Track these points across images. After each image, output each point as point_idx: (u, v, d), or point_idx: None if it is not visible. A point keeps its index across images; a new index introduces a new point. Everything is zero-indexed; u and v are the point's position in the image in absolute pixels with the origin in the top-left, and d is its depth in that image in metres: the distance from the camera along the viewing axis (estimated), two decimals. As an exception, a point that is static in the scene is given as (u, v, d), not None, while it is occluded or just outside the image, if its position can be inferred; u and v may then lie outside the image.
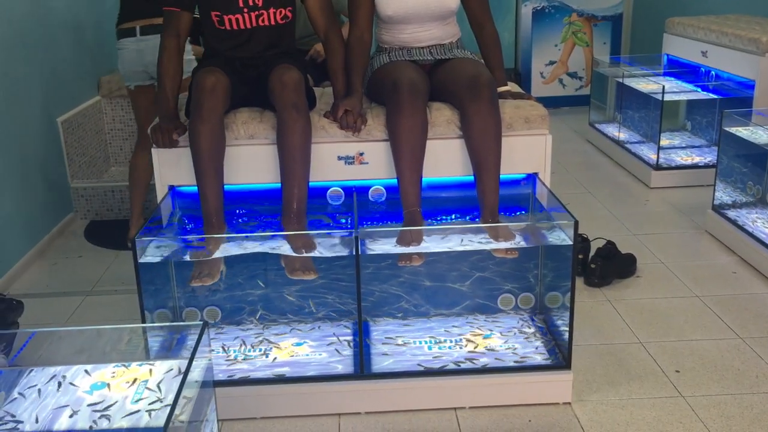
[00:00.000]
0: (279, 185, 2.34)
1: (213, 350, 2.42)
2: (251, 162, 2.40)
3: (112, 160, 4.54)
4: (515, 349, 2.42)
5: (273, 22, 2.42)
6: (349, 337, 2.50)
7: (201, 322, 1.82)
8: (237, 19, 2.39)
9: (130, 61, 3.35)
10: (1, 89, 3.28)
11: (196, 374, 1.75)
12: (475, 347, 2.44)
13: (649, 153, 4.45)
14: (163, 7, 2.42)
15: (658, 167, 4.26)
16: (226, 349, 2.46)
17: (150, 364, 1.87)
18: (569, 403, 2.31)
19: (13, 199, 3.32)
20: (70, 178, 3.91)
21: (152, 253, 2.23)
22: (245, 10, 2.38)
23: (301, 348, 2.46)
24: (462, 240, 2.32)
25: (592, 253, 3.13)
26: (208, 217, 2.31)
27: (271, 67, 2.40)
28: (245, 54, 2.45)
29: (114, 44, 3.44)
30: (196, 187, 2.31)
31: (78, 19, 4.16)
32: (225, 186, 2.36)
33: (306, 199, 2.33)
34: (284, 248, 2.28)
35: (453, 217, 2.54)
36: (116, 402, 1.73)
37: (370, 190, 2.51)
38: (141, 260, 2.15)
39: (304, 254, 2.27)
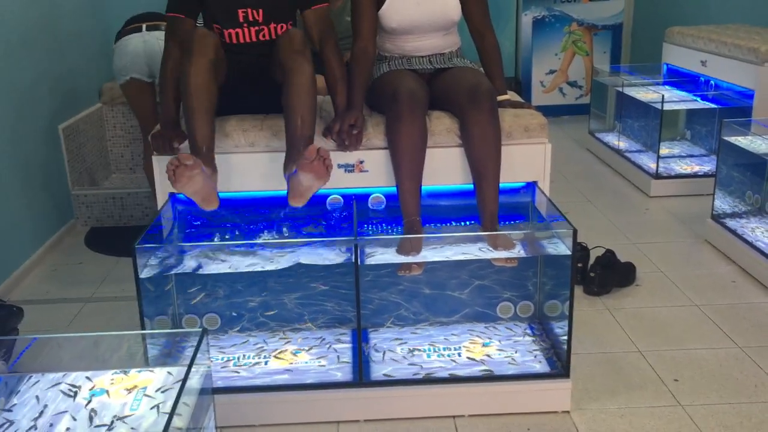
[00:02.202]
0: (281, 192, 2.33)
1: (212, 357, 2.43)
2: (252, 169, 2.41)
3: (112, 167, 4.55)
4: (514, 357, 2.42)
5: (274, 36, 2.42)
6: (348, 345, 2.51)
7: (200, 329, 1.82)
8: (237, 34, 2.40)
9: (134, 53, 3.35)
10: (6, 96, 3.30)
11: (194, 381, 1.75)
12: (474, 355, 2.44)
13: (648, 162, 4.46)
14: (166, 12, 2.43)
15: (657, 176, 4.27)
16: (225, 356, 2.47)
17: (149, 371, 1.87)
18: (568, 412, 2.31)
19: (14, 205, 3.33)
20: (71, 184, 3.92)
21: (152, 262, 2.24)
22: (245, 25, 2.39)
23: (300, 355, 2.46)
24: (461, 248, 2.33)
25: (591, 261, 3.13)
26: (197, 154, 2.20)
27: (271, 74, 2.41)
28: (245, 63, 2.45)
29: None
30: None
31: (81, 27, 4.18)
32: (224, 193, 2.36)
33: (312, 136, 2.24)
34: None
35: (460, 224, 2.54)
36: (115, 409, 1.74)
37: (370, 198, 2.52)
38: (141, 268, 2.15)
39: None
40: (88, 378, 1.85)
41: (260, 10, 2.38)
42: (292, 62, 2.26)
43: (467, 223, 2.51)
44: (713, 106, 4.39)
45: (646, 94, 4.64)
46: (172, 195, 2.44)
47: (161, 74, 2.42)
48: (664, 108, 4.27)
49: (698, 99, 4.48)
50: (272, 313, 2.60)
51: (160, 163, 2.39)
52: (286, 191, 2.24)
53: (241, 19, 2.38)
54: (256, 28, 2.40)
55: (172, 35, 2.41)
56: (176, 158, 2.10)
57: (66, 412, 1.73)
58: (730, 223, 3.44)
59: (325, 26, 2.45)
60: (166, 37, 2.44)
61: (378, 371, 2.37)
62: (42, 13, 3.69)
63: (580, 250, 3.14)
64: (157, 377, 1.84)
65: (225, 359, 2.45)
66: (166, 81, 2.39)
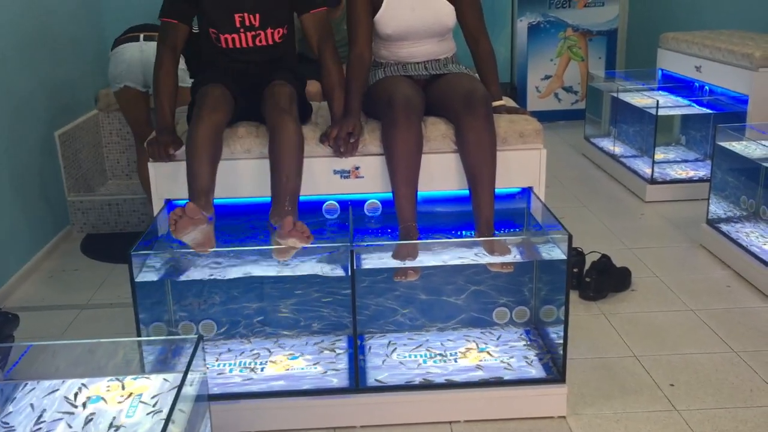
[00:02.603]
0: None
1: (208, 364, 2.43)
2: (247, 176, 2.41)
3: (108, 173, 4.55)
4: (510, 362, 2.42)
5: (270, 42, 2.42)
6: (344, 351, 2.51)
7: (196, 336, 1.83)
8: (233, 39, 2.40)
9: (129, 61, 3.37)
10: (2, 103, 3.30)
11: (191, 388, 1.75)
12: (470, 361, 2.44)
13: (643, 167, 4.47)
14: (160, 18, 2.42)
15: (652, 181, 4.28)
16: (221, 362, 2.47)
17: (145, 378, 1.87)
18: (564, 417, 2.32)
19: (10, 212, 3.33)
20: (67, 191, 3.92)
21: (148, 267, 2.24)
22: (241, 30, 2.39)
23: (296, 362, 2.46)
24: (457, 253, 2.33)
25: (587, 266, 3.13)
26: (195, 198, 2.17)
27: (267, 77, 2.41)
28: (243, 68, 2.46)
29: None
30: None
31: (77, 34, 4.18)
32: (221, 200, 2.36)
33: (297, 192, 2.24)
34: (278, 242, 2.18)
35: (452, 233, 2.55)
36: (111, 416, 1.74)
37: (366, 204, 2.52)
38: (136, 275, 2.15)
39: (295, 244, 2.15)
40: (83, 385, 1.85)
41: (257, 15, 2.38)
42: (278, 120, 2.26)
43: (463, 230, 2.52)
44: (708, 111, 4.41)
45: (641, 99, 4.65)
46: (167, 201, 2.44)
47: (155, 80, 2.41)
48: (659, 113, 4.29)
49: (693, 104, 4.50)
50: (282, 314, 2.60)
51: (156, 169, 2.39)
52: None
53: (237, 24, 2.38)
54: (253, 33, 2.40)
55: (164, 40, 2.41)
56: (182, 209, 2.06)
57: (62, 419, 1.73)
58: (725, 227, 3.45)
59: (324, 31, 2.45)
60: (159, 42, 2.43)
61: (374, 377, 2.37)
62: (38, 20, 3.69)
63: (576, 255, 3.14)
64: (153, 384, 1.84)
65: (221, 365, 2.45)
66: (160, 87, 2.39)
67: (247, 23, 2.38)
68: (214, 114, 2.24)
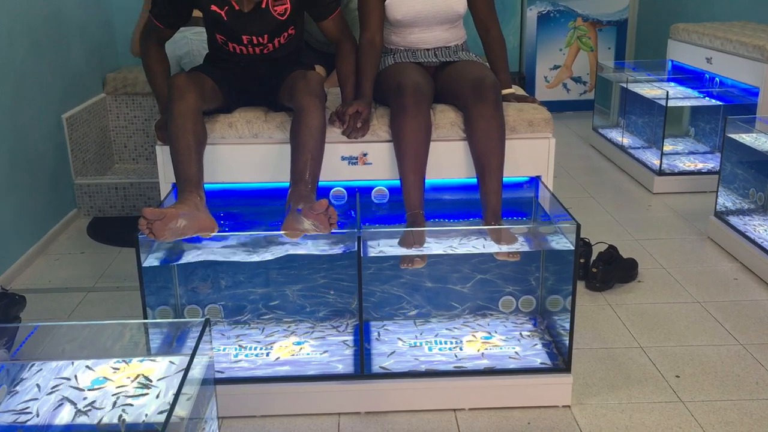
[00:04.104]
0: (283, 184, 2.32)
1: (214, 348, 2.43)
2: (255, 161, 2.41)
3: (116, 157, 4.55)
4: (515, 351, 2.42)
5: (278, 46, 2.42)
6: (350, 337, 2.51)
7: (203, 319, 1.83)
8: (241, 49, 2.39)
9: (170, 55, 3.31)
10: (9, 85, 3.30)
11: (197, 371, 1.75)
12: (476, 349, 2.44)
13: (652, 158, 4.45)
14: (150, 12, 2.41)
15: (661, 173, 4.26)
16: (227, 346, 2.47)
17: (151, 360, 1.88)
18: (569, 407, 2.32)
19: (17, 194, 3.33)
20: (74, 174, 3.92)
21: (155, 251, 2.24)
22: (249, 46, 2.39)
23: (301, 347, 2.46)
24: (463, 242, 2.33)
25: (593, 257, 3.13)
26: (183, 188, 2.15)
27: (275, 67, 2.40)
28: (248, 67, 2.45)
29: (120, 43, 3.45)
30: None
31: (85, 17, 4.18)
32: (227, 185, 2.35)
33: (317, 176, 2.23)
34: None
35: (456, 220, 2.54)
36: (117, 397, 1.74)
37: (373, 191, 2.51)
38: (143, 258, 2.16)
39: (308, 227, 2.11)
40: (89, 367, 1.85)
41: (265, 36, 2.37)
42: (307, 103, 2.24)
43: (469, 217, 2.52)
44: (718, 103, 4.38)
45: (651, 90, 4.63)
46: (174, 185, 2.43)
47: (147, 69, 2.43)
48: (669, 105, 4.27)
49: (703, 96, 4.47)
50: (289, 299, 2.60)
51: (164, 153, 2.39)
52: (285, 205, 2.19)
53: (245, 42, 2.38)
54: (260, 47, 2.40)
55: (150, 35, 2.42)
56: (143, 219, 2.00)
57: (67, 400, 1.74)
58: (733, 220, 3.44)
59: (344, 27, 2.46)
60: (145, 35, 2.43)
61: (379, 364, 2.37)
62: (46, 3, 3.68)
63: (583, 246, 3.13)
64: (159, 366, 1.85)
65: (226, 349, 2.45)
66: (154, 72, 2.40)
67: (255, 42, 2.38)
68: (181, 102, 2.20)
